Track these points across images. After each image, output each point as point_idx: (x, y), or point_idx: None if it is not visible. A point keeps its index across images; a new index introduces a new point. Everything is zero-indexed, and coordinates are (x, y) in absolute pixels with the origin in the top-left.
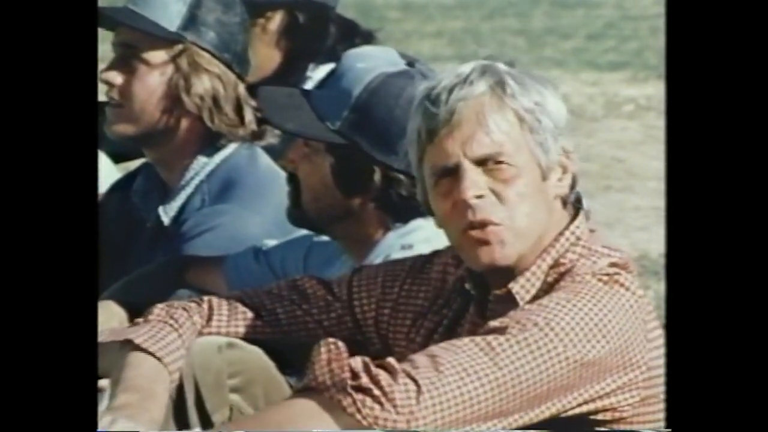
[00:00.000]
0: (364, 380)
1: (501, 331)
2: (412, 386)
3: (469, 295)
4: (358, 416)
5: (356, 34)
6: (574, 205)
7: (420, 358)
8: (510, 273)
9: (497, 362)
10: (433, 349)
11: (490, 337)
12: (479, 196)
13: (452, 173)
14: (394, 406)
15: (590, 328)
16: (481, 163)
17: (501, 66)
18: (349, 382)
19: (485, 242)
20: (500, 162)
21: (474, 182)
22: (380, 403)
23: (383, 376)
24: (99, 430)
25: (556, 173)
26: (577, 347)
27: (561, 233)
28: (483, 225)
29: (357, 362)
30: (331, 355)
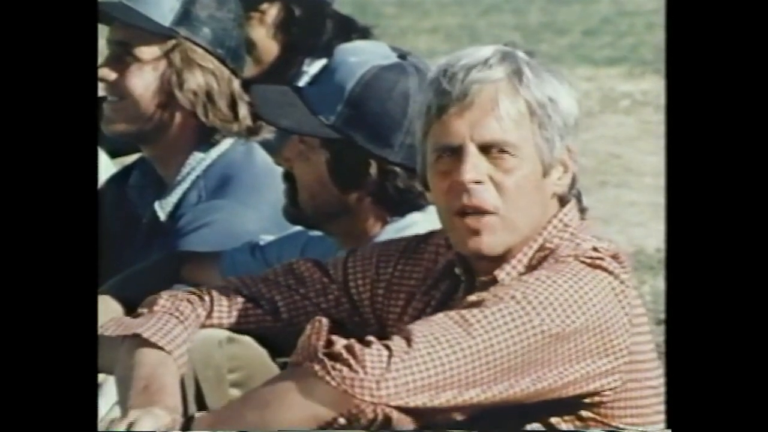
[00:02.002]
0: (337, 347)
1: (477, 304)
2: (384, 351)
3: (459, 279)
4: (327, 378)
5: (353, 30)
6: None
7: (395, 336)
8: (496, 262)
9: (470, 332)
10: (408, 327)
11: (464, 311)
12: (478, 182)
13: (455, 153)
14: (363, 367)
15: (568, 303)
16: (485, 149)
17: (521, 54)
18: (321, 349)
19: (475, 230)
20: (504, 151)
21: (475, 166)
22: (349, 365)
23: (357, 345)
24: (120, 430)
25: (557, 171)
26: (555, 321)
27: (549, 221)
28: (476, 211)
29: (338, 338)
30: (313, 330)
